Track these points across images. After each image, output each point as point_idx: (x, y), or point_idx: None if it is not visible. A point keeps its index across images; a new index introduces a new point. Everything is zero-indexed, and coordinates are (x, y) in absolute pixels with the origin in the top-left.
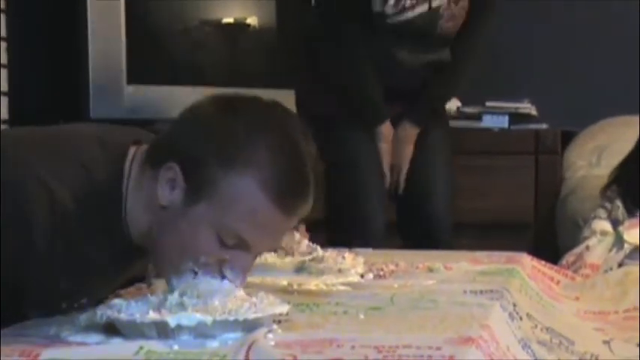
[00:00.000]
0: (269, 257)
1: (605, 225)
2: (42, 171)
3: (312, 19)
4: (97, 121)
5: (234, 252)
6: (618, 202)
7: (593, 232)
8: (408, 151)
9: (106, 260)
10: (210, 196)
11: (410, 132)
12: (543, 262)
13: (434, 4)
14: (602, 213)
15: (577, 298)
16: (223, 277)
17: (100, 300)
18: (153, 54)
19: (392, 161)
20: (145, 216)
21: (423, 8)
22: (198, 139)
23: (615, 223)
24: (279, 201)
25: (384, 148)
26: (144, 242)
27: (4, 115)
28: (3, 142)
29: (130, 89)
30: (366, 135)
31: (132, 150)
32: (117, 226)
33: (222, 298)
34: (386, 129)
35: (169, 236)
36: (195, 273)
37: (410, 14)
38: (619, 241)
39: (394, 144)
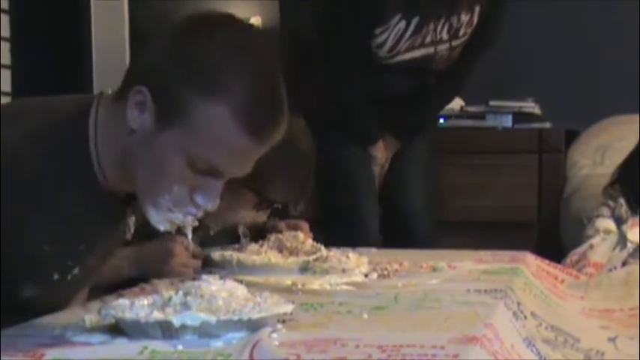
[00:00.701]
0: (273, 257)
1: (609, 223)
2: (6, 132)
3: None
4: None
5: (205, 178)
6: (622, 201)
7: (597, 231)
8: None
9: (83, 212)
10: (181, 122)
11: (390, 144)
12: (547, 262)
13: (438, 49)
14: (605, 211)
15: (582, 298)
16: (196, 204)
17: (91, 269)
18: None
19: None
20: (116, 148)
21: (425, 51)
22: (170, 61)
23: (618, 222)
24: (252, 129)
25: (377, 171)
26: (118, 184)
27: None
28: None
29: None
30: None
31: (96, 98)
32: (88, 175)
33: (226, 297)
34: (379, 151)
35: (142, 163)
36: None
37: (407, 56)
38: (622, 239)
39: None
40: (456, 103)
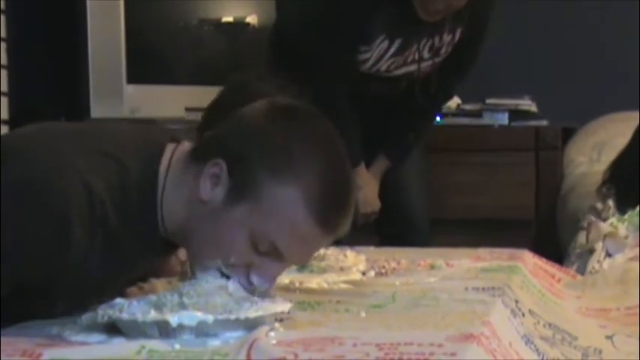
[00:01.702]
0: None
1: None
2: (79, 162)
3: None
4: (97, 121)
5: (265, 259)
6: (610, 202)
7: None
8: (376, 182)
9: (139, 254)
10: (253, 200)
11: (383, 167)
12: (545, 260)
13: (412, 68)
14: (592, 216)
15: (578, 297)
16: (250, 282)
17: (125, 287)
18: (152, 53)
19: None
20: (182, 211)
21: (406, 70)
22: (249, 140)
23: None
24: (322, 218)
25: (362, 195)
26: (176, 238)
27: (4, 116)
28: (36, 132)
29: (129, 89)
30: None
31: (170, 147)
32: (152, 221)
33: (224, 296)
34: (361, 172)
35: (204, 231)
36: (223, 275)
37: (389, 74)
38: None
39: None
40: (453, 101)
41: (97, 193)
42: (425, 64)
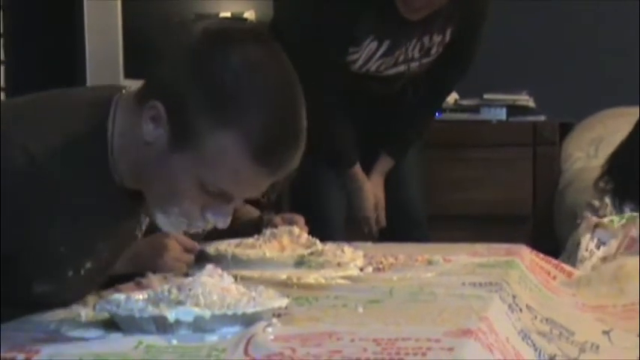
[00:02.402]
0: (268, 251)
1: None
2: (18, 133)
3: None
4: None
5: (216, 199)
6: (607, 200)
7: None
8: (382, 182)
9: (97, 208)
10: (195, 147)
11: (387, 165)
12: (542, 256)
13: (402, 69)
14: (589, 213)
15: (574, 295)
16: (206, 220)
17: (105, 263)
18: (150, 48)
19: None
20: (132, 153)
21: (396, 70)
22: (184, 82)
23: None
24: (265, 160)
25: (364, 190)
26: (135, 184)
27: None
28: None
29: (126, 83)
30: None
31: (116, 96)
32: (103, 171)
33: (221, 292)
34: (356, 174)
35: (155, 176)
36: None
37: (379, 75)
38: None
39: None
40: (450, 97)
41: (37, 159)
42: (415, 64)
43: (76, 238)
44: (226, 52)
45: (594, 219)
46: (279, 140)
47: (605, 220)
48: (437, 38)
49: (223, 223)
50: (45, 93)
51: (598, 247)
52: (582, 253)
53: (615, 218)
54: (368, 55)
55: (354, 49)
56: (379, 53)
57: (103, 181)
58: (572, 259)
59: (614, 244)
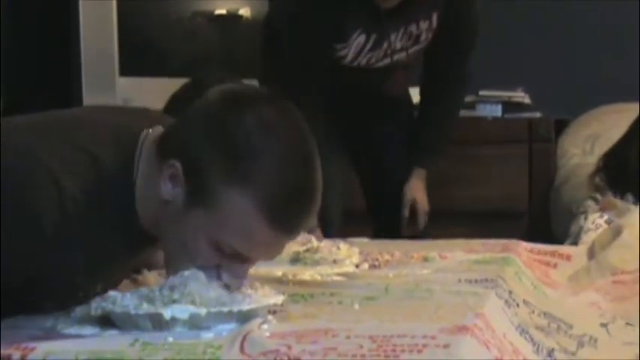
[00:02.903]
0: None
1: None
2: (49, 161)
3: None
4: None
5: (231, 259)
6: (609, 192)
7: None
8: (421, 188)
9: (119, 247)
10: (209, 205)
11: (419, 174)
12: (537, 249)
13: (394, 58)
14: (592, 206)
15: (571, 289)
16: (222, 280)
17: (114, 284)
18: (145, 46)
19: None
20: (153, 205)
21: (388, 60)
22: (201, 140)
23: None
24: (277, 222)
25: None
26: (154, 229)
27: None
28: (3, 129)
29: (122, 81)
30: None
31: (142, 136)
32: (128, 214)
33: (217, 289)
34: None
35: (171, 233)
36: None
37: (370, 67)
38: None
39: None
40: None
41: (69, 193)
42: (405, 53)
43: (92, 272)
44: (240, 113)
45: (608, 199)
46: (293, 201)
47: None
48: (424, 25)
49: (238, 284)
50: (65, 113)
51: (608, 223)
52: (588, 225)
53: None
54: (357, 50)
55: (342, 45)
56: (368, 46)
57: (124, 218)
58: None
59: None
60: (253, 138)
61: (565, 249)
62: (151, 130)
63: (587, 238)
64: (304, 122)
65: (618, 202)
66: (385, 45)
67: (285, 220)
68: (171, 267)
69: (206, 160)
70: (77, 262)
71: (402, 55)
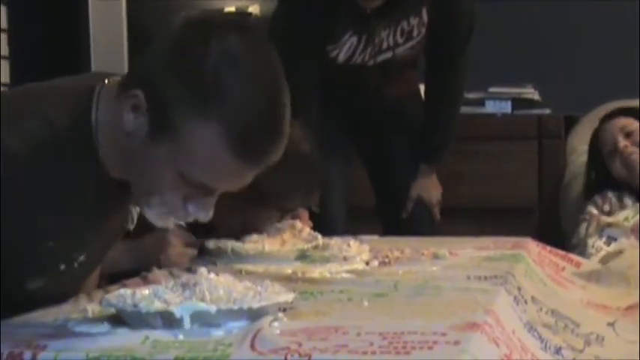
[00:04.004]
0: (267, 246)
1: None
2: (8, 135)
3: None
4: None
5: (197, 191)
6: (610, 194)
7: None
8: (431, 183)
9: (83, 200)
10: (173, 140)
11: (426, 170)
12: (549, 248)
13: (388, 55)
14: (593, 209)
15: (582, 287)
16: (188, 212)
17: (98, 254)
18: None
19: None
20: (116, 144)
21: (383, 57)
22: (164, 72)
23: (609, 215)
24: (244, 153)
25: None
26: (121, 175)
27: None
28: None
29: None
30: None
31: (97, 88)
32: (88, 162)
33: (227, 287)
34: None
35: (137, 167)
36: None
37: (365, 65)
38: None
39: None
40: None
41: (16, 155)
42: (399, 50)
43: (64, 232)
44: (207, 42)
45: (604, 218)
46: (258, 132)
47: (614, 218)
48: (414, 20)
49: (205, 215)
50: (31, 85)
51: (608, 244)
52: (589, 250)
53: (628, 214)
54: (350, 51)
55: (332, 47)
56: (361, 47)
57: (88, 172)
58: (581, 252)
59: (625, 241)
60: (218, 69)
61: (576, 258)
62: (107, 81)
63: (592, 262)
64: (274, 52)
65: (619, 220)
66: (377, 42)
67: (249, 150)
68: (140, 201)
69: (170, 90)
70: (40, 223)
71: (398, 51)
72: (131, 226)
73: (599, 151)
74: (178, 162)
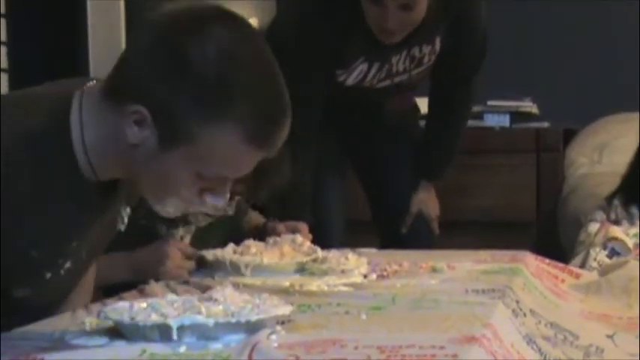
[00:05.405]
0: (266, 259)
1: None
2: None
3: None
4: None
5: (212, 181)
6: (616, 201)
7: (589, 235)
8: (430, 197)
9: (64, 206)
10: (188, 145)
11: (426, 186)
12: (547, 261)
13: (396, 80)
14: (598, 215)
15: (582, 301)
16: (204, 203)
17: (86, 261)
18: None
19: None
20: (111, 152)
21: (390, 82)
22: (166, 82)
23: (615, 224)
24: (261, 142)
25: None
26: (114, 177)
27: None
28: None
29: None
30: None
31: (76, 94)
32: (68, 168)
33: (224, 301)
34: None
35: (147, 173)
36: None
37: (373, 88)
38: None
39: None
40: None
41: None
42: (407, 75)
43: (46, 240)
44: (198, 44)
45: (612, 230)
46: (271, 120)
47: (623, 232)
48: (426, 48)
49: (223, 202)
50: (10, 93)
51: (610, 258)
52: (591, 262)
53: (631, 231)
54: (360, 76)
55: (342, 71)
56: (371, 73)
57: (69, 178)
58: (584, 257)
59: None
60: (220, 69)
61: (575, 270)
62: (86, 86)
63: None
64: (260, 37)
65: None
66: (387, 67)
67: (266, 136)
68: (155, 202)
69: (176, 102)
70: (21, 232)
71: (405, 77)
72: (122, 227)
73: None
74: (195, 164)
